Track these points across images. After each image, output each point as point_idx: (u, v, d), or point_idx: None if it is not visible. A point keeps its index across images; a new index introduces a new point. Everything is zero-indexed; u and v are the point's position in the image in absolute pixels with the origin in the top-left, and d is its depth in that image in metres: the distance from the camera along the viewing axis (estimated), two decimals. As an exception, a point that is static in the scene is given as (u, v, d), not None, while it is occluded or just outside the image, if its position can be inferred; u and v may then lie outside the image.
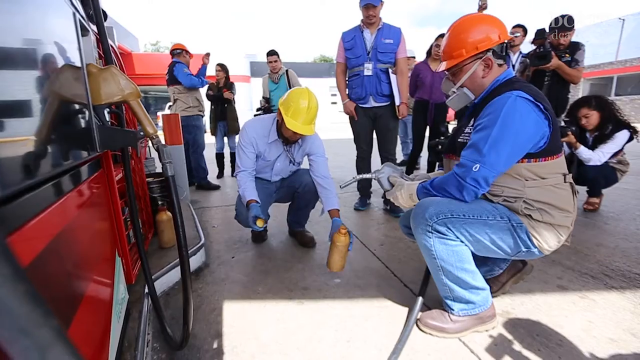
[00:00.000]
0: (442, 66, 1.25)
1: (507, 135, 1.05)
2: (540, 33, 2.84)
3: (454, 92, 1.26)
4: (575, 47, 2.73)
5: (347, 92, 2.66)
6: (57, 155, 0.69)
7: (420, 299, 1.33)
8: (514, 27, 3.52)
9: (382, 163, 2.77)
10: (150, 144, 1.01)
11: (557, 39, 2.71)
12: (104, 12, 1.42)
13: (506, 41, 1.17)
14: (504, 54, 1.18)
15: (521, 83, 1.13)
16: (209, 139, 4.30)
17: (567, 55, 2.74)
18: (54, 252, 0.62)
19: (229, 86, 4.19)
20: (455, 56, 1.19)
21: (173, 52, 3.66)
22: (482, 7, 2.99)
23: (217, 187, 3.83)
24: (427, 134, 3.57)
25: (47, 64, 0.67)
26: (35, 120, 0.61)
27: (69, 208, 0.76)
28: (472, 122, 1.21)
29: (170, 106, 3.78)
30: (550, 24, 2.73)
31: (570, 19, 2.65)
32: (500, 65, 1.19)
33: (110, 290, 1.03)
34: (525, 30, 3.53)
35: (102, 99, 0.92)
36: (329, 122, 20.56)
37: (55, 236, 0.64)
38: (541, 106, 1.06)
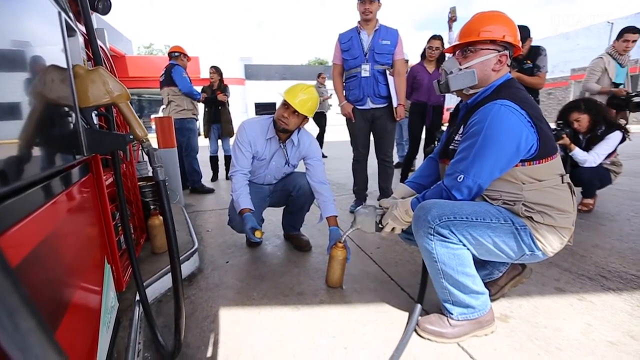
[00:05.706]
0: (457, 39, 1.22)
1: (491, 145, 1.06)
2: None
3: (460, 69, 1.21)
4: (536, 52, 2.72)
5: (344, 94, 2.64)
6: (41, 159, 0.66)
7: (418, 306, 1.30)
8: None
9: (379, 165, 2.75)
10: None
11: None
12: (108, 1, 1.36)
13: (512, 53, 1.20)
14: (510, 60, 1.20)
15: (509, 90, 1.13)
16: (203, 141, 4.25)
17: (529, 62, 2.74)
18: (37, 259, 0.59)
19: (223, 89, 4.16)
20: (482, 31, 1.15)
21: (171, 55, 3.63)
22: (452, 19, 3.05)
23: (211, 191, 3.79)
24: (423, 136, 3.58)
25: (30, 65, 0.64)
26: (17, 123, 0.58)
27: (53, 213, 0.72)
28: (461, 129, 1.21)
29: (163, 108, 3.74)
30: None
31: (524, 29, 2.65)
32: (508, 66, 1.20)
33: (99, 298, 0.99)
34: None
35: (90, 101, 0.89)
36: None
37: (39, 243, 0.61)
38: (525, 114, 1.06)
